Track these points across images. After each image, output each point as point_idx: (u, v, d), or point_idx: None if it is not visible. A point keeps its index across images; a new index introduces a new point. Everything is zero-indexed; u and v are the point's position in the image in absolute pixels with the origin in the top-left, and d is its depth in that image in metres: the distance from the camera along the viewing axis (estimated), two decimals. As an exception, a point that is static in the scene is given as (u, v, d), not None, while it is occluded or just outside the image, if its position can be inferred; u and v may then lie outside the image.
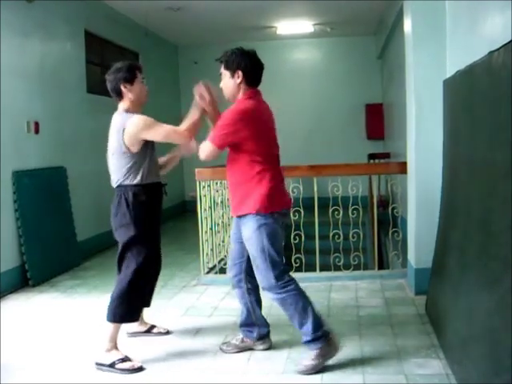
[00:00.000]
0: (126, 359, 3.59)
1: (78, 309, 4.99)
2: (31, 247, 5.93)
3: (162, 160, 4.01)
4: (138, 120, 3.60)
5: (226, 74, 3.46)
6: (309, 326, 3.43)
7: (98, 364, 3.60)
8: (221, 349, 3.83)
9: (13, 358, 3.86)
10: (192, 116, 3.60)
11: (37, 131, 6.33)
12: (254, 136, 3.36)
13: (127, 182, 3.66)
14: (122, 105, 3.74)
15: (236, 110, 3.39)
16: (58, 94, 6.85)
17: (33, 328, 4.50)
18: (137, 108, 3.75)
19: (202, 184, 5.79)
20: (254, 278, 3.63)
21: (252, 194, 3.40)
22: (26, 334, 4.37)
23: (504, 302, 2.61)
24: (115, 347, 3.65)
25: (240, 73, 3.40)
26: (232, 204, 3.59)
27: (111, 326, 3.64)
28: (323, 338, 3.44)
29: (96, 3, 7.86)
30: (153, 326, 4.21)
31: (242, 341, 3.82)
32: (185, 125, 3.60)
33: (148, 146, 3.69)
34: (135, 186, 3.65)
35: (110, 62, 8.98)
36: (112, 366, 3.55)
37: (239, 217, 3.51)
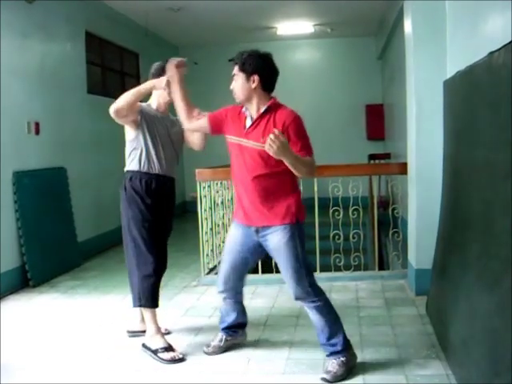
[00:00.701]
0: (168, 349, 3.72)
1: (78, 309, 4.99)
2: (31, 248, 5.93)
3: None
4: None
5: (240, 76, 3.32)
6: (340, 336, 3.39)
7: (144, 346, 3.79)
8: (205, 352, 3.82)
9: (13, 358, 3.86)
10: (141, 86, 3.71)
11: (37, 132, 6.33)
12: None
13: (127, 168, 3.83)
14: (153, 97, 3.93)
15: (298, 117, 3.32)
16: (58, 95, 6.85)
17: (33, 329, 4.50)
18: (161, 105, 3.90)
19: (203, 185, 5.79)
20: (242, 287, 3.73)
21: (288, 203, 3.32)
22: (26, 334, 4.37)
23: (504, 303, 2.61)
24: (159, 332, 3.81)
25: (256, 77, 3.28)
26: (256, 214, 3.37)
27: (143, 310, 3.85)
28: (350, 348, 3.44)
29: (96, 4, 7.87)
30: None
31: (226, 340, 3.83)
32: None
33: (146, 137, 3.75)
34: (132, 171, 3.79)
35: (110, 63, 8.99)
36: (155, 353, 3.71)
37: (267, 227, 3.36)
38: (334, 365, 3.36)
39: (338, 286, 5.38)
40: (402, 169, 5.41)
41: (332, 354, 3.40)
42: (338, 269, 5.70)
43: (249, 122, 3.38)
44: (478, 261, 3.16)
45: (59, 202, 6.69)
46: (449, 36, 4.59)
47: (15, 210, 5.84)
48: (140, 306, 3.82)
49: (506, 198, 2.74)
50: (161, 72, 3.77)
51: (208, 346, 3.84)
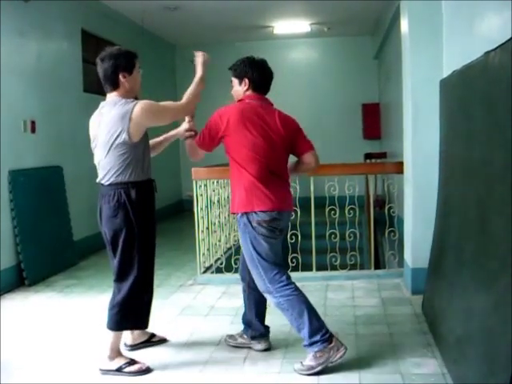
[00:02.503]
0: (132, 362, 3.53)
1: (74, 308, 4.99)
2: (27, 246, 5.91)
3: (155, 140, 3.83)
4: (145, 105, 3.37)
5: (234, 81, 3.64)
6: (305, 331, 3.40)
7: (103, 370, 3.51)
8: (225, 340, 3.93)
9: (10, 357, 3.84)
10: (194, 83, 3.66)
11: (33, 130, 6.32)
12: (233, 138, 3.45)
13: (126, 179, 3.38)
14: (116, 94, 3.44)
15: (219, 110, 3.54)
16: (54, 93, 6.84)
17: (29, 328, 4.49)
18: (134, 91, 3.52)
19: (199, 183, 5.78)
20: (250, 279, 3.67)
21: (239, 192, 3.46)
22: (22, 333, 4.36)
23: (500, 302, 2.61)
24: (118, 354, 3.56)
25: (246, 81, 3.56)
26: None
27: (112, 334, 3.53)
28: (321, 342, 3.39)
29: (93, 2, 7.85)
30: (153, 335, 4.05)
31: (241, 336, 3.87)
32: (185, 97, 3.57)
33: (145, 140, 3.48)
34: (135, 183, 3.40)
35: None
36: (119, 370, 3.48)
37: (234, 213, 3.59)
38: (307, 358, 3.42)
39: (334, 285, 5.38)
40: (398, 168, 5.41)
41: (304, 346, 3.46)
42: (334, 268, 5.70)
43: None
44: (474, 260, 3.17)
45: (55, 200, 6.68)
46: (445, 35, 4.60)
47: (11, 208, 5.82)
48: (133, 328, 3.67)
49: (501, 198, 2.75)
50: (132, 61, 3.46)
51: (230, 335, 3.94)
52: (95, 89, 7.77)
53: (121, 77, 3.42)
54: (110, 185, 3.41)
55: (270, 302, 3.55)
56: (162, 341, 4.06)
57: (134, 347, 3.89)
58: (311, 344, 3.40)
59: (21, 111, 6.14)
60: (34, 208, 6.14)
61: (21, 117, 6.14)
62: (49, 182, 6.62)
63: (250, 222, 3.42)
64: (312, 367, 3.37)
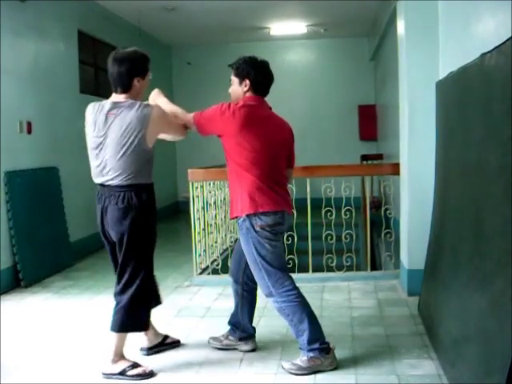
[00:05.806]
0: (135, 365, 3.50)
1: (70, 310, 4.97)
2: (23, 248, 5.90)
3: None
4: (160, 111, 3.41)
5: (234, 80, 3.52)
6: (304, 338, 3.41)
7: (106, 374, 3.47)
8: (208, 342, 3.89)
9: (8, 358, 3.83)
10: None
11: (29, 131, 6.31)
12: (237, 139, 3.36)
13: (140, 181, 3.36)
14: (126, 96, 3.40)
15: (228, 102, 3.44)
16: (50, 94, 6.83)
17: (26, 329, 4.48)
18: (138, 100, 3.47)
19: (195, 185, 5.78)
20: (253, 281, 3.64)
21: (241, 195, 3.40)
22: (20, 335, 4.35)
23: (496, 303, 2.62)
24: (122, 357, 3.52)
25: (247, 82, 3.46)
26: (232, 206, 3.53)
27: (116, 337, 3.47)
28: (318, 351, 3.41)
29: (89, 3, 7.84)
30: (166, 337, 4.00)
31: (227, 337, 3.83)
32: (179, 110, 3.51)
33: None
34: (149, 185, 3.42)
35: (102, 62, 9.00)
36: (123, 373, 3.44)
37: (235, 218, 3.51)
38: (299, 358, 3.44)
39: (331, 287, 5.38)
40: (395, 169, 5.42)
41: (300, 348, 3.47)
42: (330, 269, 5.70)
43: None
44: (470, 261, 3.17)
45: (51, 201, 6.67)
46: (441, 37, 4.61)
47: (7, 209, 5.81)
48: (134, 330, 3.54)
49: (496, 199, 2.75)
50: (147, 67, 3.49)
51: (214, 337, 3.89)
52: (91, 90, 7.79)
53: (135, 81, 3.42)
54: (118, 186, 3.34)
55: (273, 305, 3.51)
56: (176, 342, 4.00)
57: (151, 350, 3.85)
58: (309, 350, 3.42)
59: (17, 112, 6.13)
60: (30, 209, 6.13)
61: (17, 118, 6.13)
62: (45, 183, 6.61)
63: (252, 226, 3.37)
64: (302, 368, 3.40)
